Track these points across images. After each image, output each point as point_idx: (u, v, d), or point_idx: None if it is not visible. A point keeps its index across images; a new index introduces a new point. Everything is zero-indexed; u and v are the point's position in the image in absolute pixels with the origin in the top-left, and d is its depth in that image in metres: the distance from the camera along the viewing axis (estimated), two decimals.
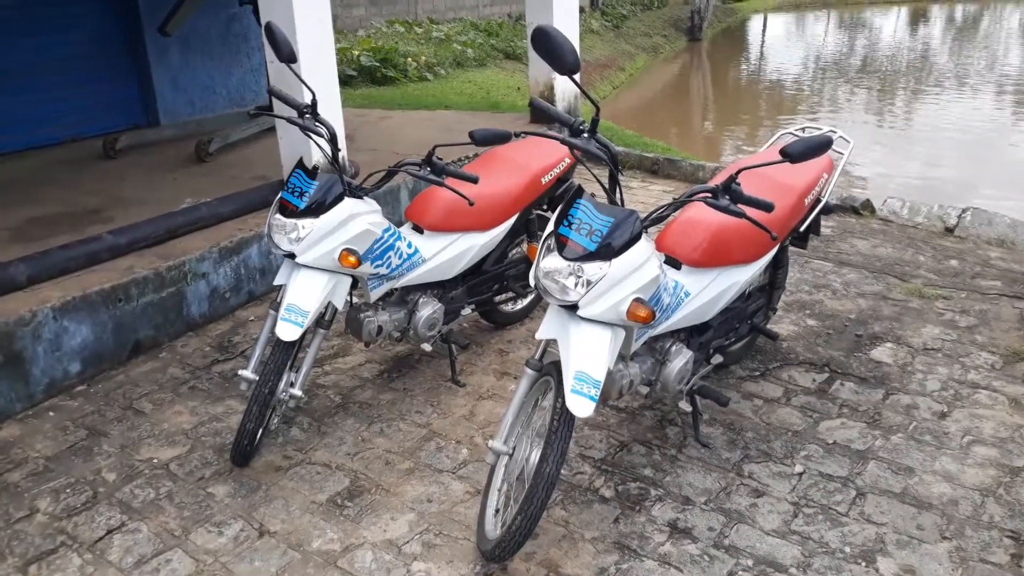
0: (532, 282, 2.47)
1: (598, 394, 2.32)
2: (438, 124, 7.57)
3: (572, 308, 2.40)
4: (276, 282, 3.06)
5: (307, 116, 3.12)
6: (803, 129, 3.54)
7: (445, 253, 3.42)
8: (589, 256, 2.33)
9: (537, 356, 2.54)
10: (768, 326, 3.55)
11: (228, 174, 5.72)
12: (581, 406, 2.30)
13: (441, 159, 3.07)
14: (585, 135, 2.52)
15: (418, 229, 3.42)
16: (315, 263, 2.95)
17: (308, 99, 3.18)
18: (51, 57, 6.36)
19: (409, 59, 11.38)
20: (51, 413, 3.49)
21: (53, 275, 3.84)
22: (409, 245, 3.29)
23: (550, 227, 2.46)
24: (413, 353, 3.85)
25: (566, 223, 2.40)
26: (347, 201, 2.99)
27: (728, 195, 2.42)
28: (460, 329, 3.87)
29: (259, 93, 7.75)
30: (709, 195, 2.44)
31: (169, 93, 7.11)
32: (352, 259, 2.95)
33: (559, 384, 2.46)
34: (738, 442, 3.07)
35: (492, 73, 12.88)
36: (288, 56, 3.06)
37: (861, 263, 4.61)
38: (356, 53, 11.06)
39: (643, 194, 6.25)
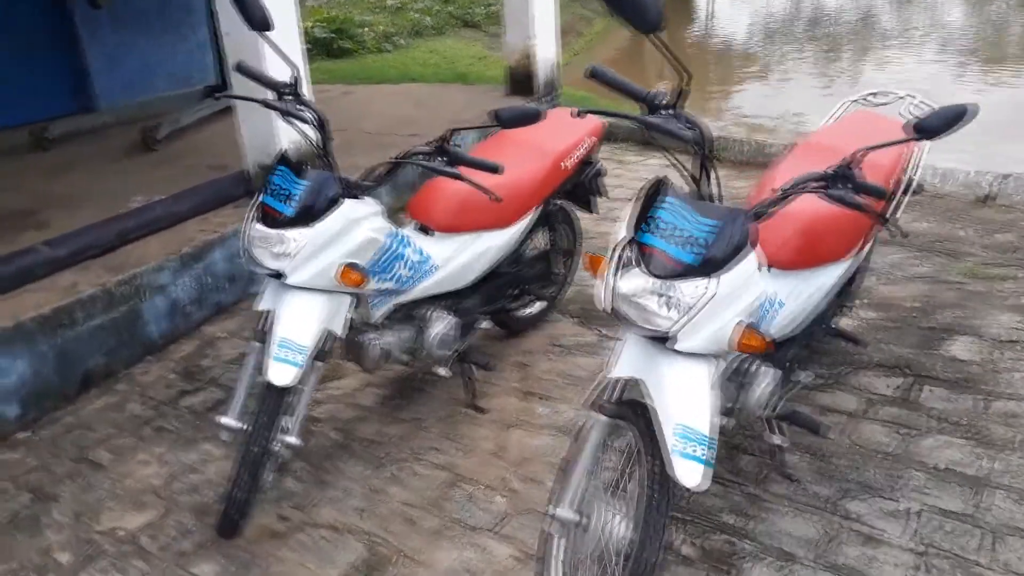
0: (601, 305, 1.92)
1: (712, 456, 1.79)
2: (408, 98, 6.93)
3: (662, 339, 1.86)
4: (259, 307, 2.47)
5: (288, 98, 2.51)
6: (872, 95, 3.04)
7: (460, 258, 2.86)
8: (687, 272, 1.79)
9: (610, 398, 2.00)
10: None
11: (181, 164, 5.04)
12: (690, 473, 1.77)
13: (459, 145, 2.49)
14: (667, 111, 1.96)
15: (425, 230, 2.85)
16: (309, 283, 2.37)
17: (286, 76, 2.56)
18: None
19: (366, 29, 10.63)
20: None
21: None
22: (418, 251, 2.72)
23: (622, 232, 1.91)
24: (417, 372, 3.29)
25: (649, 227, 1.85)
26: (346, 204, 2.40)
27: (847, 183, 1.89)
28: (478, 346, 3.30)
29: (207, 71, 7.01)
30: (823, 184, 1.91)
31: (104, 74, 6.34)
32: (355, 275, 2.37)
33: (645, 437, 1.93)
34: (828, 472, 2.58)
35: (452, 42, 12.16)
36: (261, 23, 2.44)
37: (902, 240, 4.15)
38: (309, 24, 10.27)
39: (642, 169, 5.72)
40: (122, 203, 4.11)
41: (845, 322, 3.25)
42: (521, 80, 6.57)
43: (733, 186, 5.15)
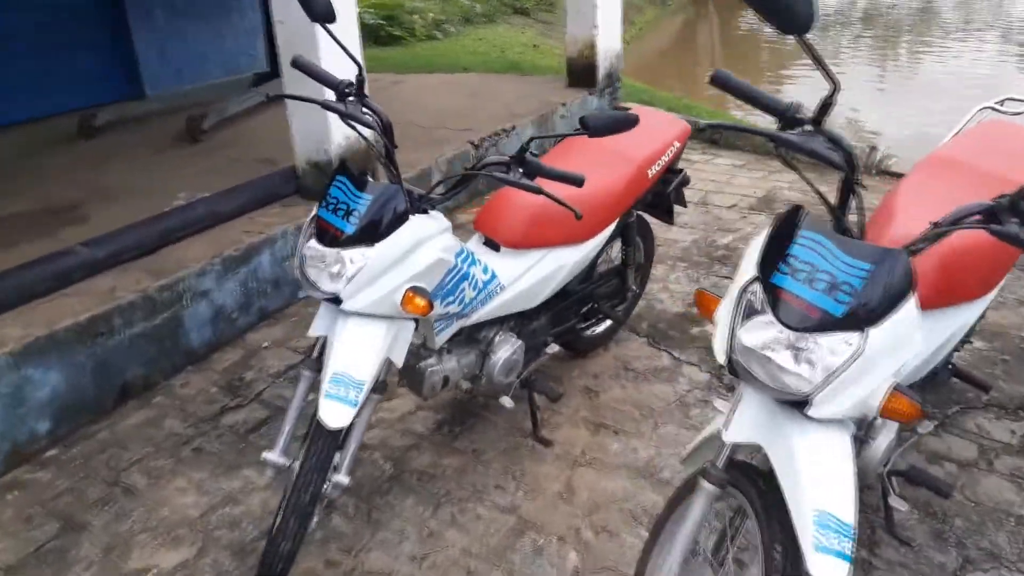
0: (720, 358, 1.63)
1: (852, 550, 1.48)
2: (460, 89, 6.65)
3: (796, 403, 1.56)
4: (313, 333, 2.22)
5: (350, 100, 2.24)
6: (1003, 102, 2.68)
7: (529, 276, 2.57)
8: (829, 323, 1.49)
9: (719, 462, 1.71)
10: None
11: (226, 156, 4.82)
12: (832, 572, 1.46)
13: (536, 154, 2.20)
14: (807, 127, 1.64)
15: (492, 245, 2.57)
16: (369, 309, 2.10)
17: (346, 73, 2.29)
18: (14, 22, 5.40)
19: (416, 16, 10.36)
20: (13, 493, 2.66)
21: (10, 304, 2.98)
22: (484, 270, 2.44)
23: (749, 271, 1.60)
24: (476, 398, 3.02)
25: (785, 268, 1.55)
26: (414, 220, 2.13)
27: (1017, 217, 1.56)
28: (543, 369, 3.01)
29: (256, 59, 6.80)
30: (982, 218, 1.58)
31: (154, 61, 6.16)
32: (421, 302, 2.10)
33: (762, 512, 1.64)
34: (947, 535, 2.26)
35: (503, 30, 11.86)
36: (324, 13, 2.18)
37: None
38: (359, 10, 10.02)
39: (710, 170, 5.37)
40: (163, 198, 3.90)
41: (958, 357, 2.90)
42: (582, 72, 6.26)
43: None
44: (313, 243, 2.11)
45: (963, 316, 2.14)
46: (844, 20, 17.62)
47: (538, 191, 2.15)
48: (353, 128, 2.25)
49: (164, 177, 4.41)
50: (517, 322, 2.68)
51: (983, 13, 17.35)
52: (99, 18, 5.88)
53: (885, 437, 2.00)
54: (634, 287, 3.18)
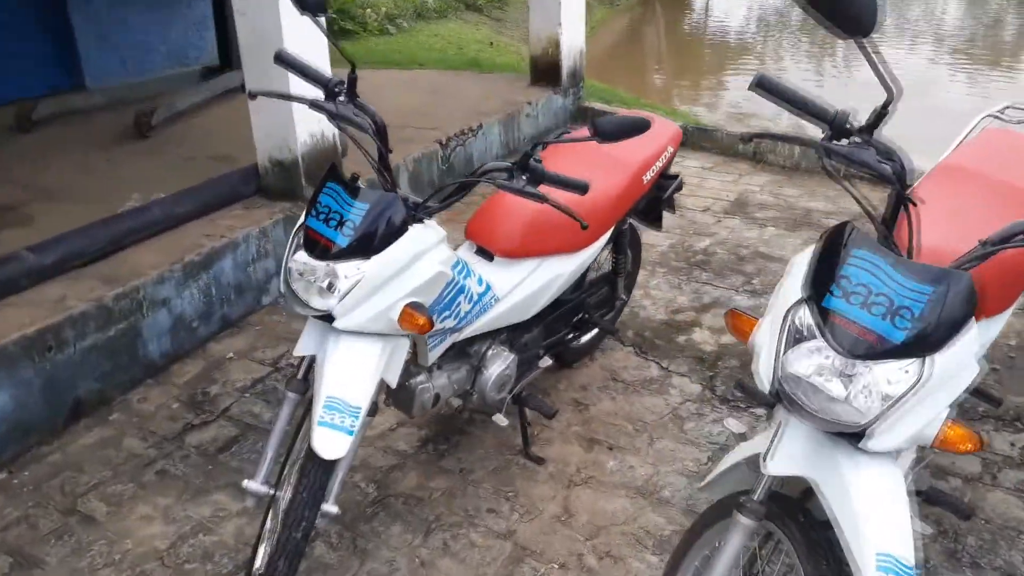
0: (765, 386, 1.51)
1: None
2: (420, 86, 6.46)
3: (848, 435, 1.45)
4: (299, 352, 2.04)
5: (341, 99, 2.07)
6: (1004, 110, 2.64)
7: (525, 287, 2.44)
8: (887, 351, 1.38)
9: (758, 495, 1.59)
10: None
11: (179, 154, 4.56)
12: None
13: (539, 161, 2.05)
14: (856, 137, 1.53)
15: (485, 254, 2.43)
16: (363, 327, 1.94)
17: (326, 72, 2.12)
18: None
19: (368, 10, 10.09)
20: None
21: None
22: (479, 281, 2.29)
23: (794, 291, 1.49)
24: (462, 413, 2.86)
25: (838, 291, 1.44)
26: (412, 231, 1.97)
27: None
28: (535, 383, 2.86)
29: (204, 51, 6.48)
30: None
31: (95, 50, 5.80)
32: (420, 319, 1.94)
33: (803, 547, 1.53)
34: (960, 555, 2.20)
35: (456, 26, 11.65)
36: (314, 4, 2.00)
37: None
38: None
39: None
40: (114, 198, 3.65)
41: None
42: (546, 70, 6.13)
43: (784, 194, 4.76)
44: (302, 256, 1.93)
45: (990, 331, 2.08)
46: (783, 23, 17.90)
47: (543, 199, 2.01)
48: (342, 130, 2.08)
49: (113, 176, 4.14)
50: (509, 335, 2.54)
51: (919, 23, 17.82)
52: (35, 3, 5.51)
53: (907, 457, 1.91)
54: (624, 296, 3.06)
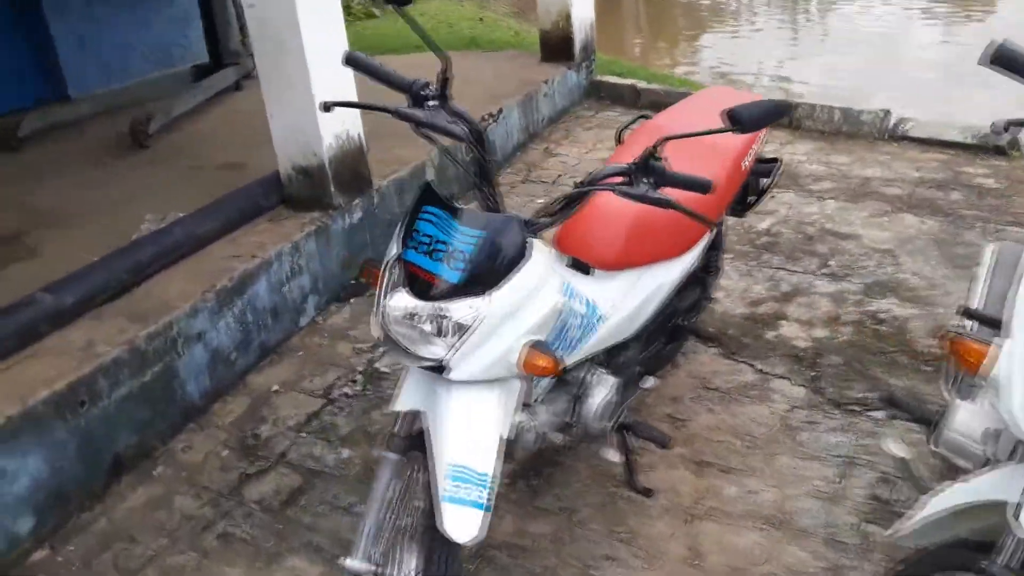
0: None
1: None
2: (427, 72, 6.07)
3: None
4: (400, 408, 1.73)
5: (431, 104, 1.75)
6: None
7: (629, 301, 2.14)
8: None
9: (1004, 559, 1.31)
10: None
11: (184, 164, 4.21)
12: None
13: (661, 159, 1.73)
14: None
15: (581, 267, 2.12)
16: (481, 375, 1.63)
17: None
18: None
19: None
20: None
21: None
22: (582, 300, 1.99)
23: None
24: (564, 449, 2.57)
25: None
26: (537, 257, 1.66)
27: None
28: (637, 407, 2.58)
29: (189, 50, 6.06)
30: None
31: (75, 55, 5.37)
32: (546, 359, 1.64)
33: None
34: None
35: (439, 3, 11.22)
36: None
37: None
38: None
39: None
40: (122, 218, 3.32)
41: None
42: (557, 44, 5.79)
43: (834, 162, 4.46)
44: (402, 296, 1.61)
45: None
46: None
47: (669, 205, 1.70)
48: (431, 141, 1.76)
49: (116, 193, 3.78)
50: (606, 355, 2.24)
51: None
52: (5, 3, 5.08)
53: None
54: (712, 295, 2.77)
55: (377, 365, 3.05)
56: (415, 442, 1.73)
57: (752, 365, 2.86)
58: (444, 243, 1.60)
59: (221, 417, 2.85)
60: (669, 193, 1.68)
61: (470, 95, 5.25)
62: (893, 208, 3.85)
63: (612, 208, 2.09)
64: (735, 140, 2.37)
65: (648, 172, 1.69)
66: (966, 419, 1.84)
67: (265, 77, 3.29)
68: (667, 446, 2.26)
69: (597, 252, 2.10)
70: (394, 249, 1.68)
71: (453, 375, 1.60)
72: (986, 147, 4.39)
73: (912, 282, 3.22)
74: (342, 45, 3.35)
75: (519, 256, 1.60)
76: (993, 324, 2.20)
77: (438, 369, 1.61)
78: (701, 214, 1.77)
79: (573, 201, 1.75)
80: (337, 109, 3.31)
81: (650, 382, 2.38)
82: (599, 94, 6.01)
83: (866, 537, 2.14)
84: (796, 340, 2.96)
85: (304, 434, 2.73)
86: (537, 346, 1.65)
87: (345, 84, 3.32)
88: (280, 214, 3.47)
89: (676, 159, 2.22)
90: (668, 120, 2.48)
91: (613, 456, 2.20)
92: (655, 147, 1.67)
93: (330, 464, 2.58)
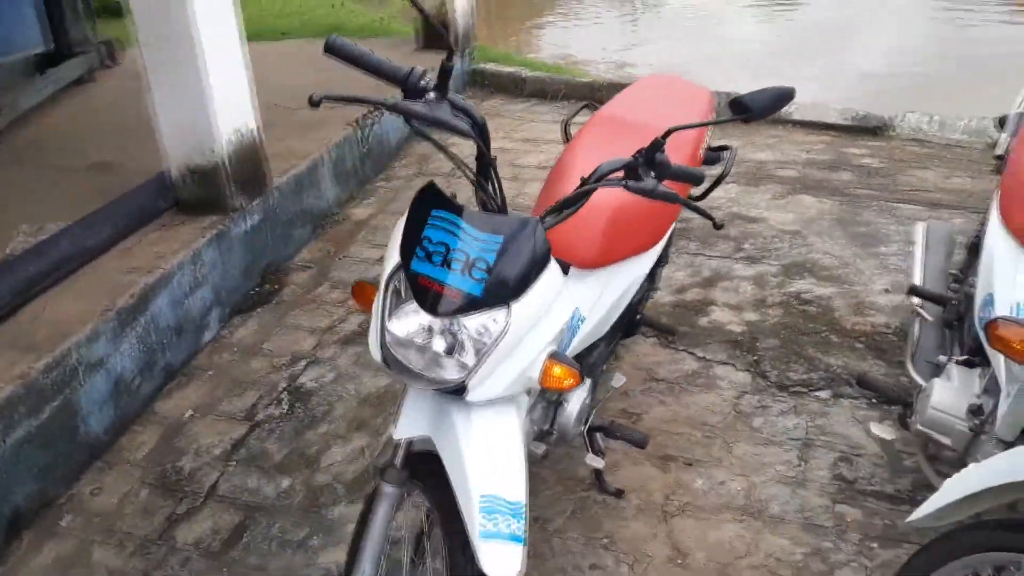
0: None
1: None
2: (302, 60, 5.72)
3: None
4: (404, 435, 1.55)
5: (431, 97, 1.57)
6: None
7: (605, 299, 2.05)
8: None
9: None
10: None
11: (46, 164, 3.74)
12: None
13: (661, 151, 1.64)
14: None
15: (561, 267, 2.01)
16: (504, 393, 1.49)
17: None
18: None
19: None
20: None
21: None
22: (568, 302, 1.88)
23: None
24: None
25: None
26: (552, 263, 1.53)
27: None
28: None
29: (29, 36, 5.40)
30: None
31: None
32: (566, 371, 1.52)
33: None
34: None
35: None
36: None
37: (972, 204, 3.71)
38: None
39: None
40: None
41: None
42: (437, 31, 5.60)
43: None
44: (414, 312, 1.44)
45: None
46: None
47: (677, 200, 1.63)
48: (426, 138, 1.58)
49: None
50: (578, 356, 2.15)
51: None
52: None
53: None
54: (658, 285, 2.74)
55: (302, 380, 2.82)
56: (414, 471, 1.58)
57: (692, 353, 2.85)
58: (463, 252, 1.44)
59: (132, 452, 2.54)
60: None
61: (355, 84, 4.98)
62: (791, 190, 3.98)
63: (591, 203, 1.99)
64: (692, 130, 2.34)
65: (652, 165, 1.61)
66: (947, 397, 1.89)
67: (151, 68, 2.94)
68: (645, 445, 2.19)
69: (579, 250, 1.98)
70: (393, 260, 1.50)
71: (472, 396, 1.45)
72: (863, 128, 4.64)
73: (825, 261, 3.33)
74: (236, 30, 3.07)
75: (540, 261, 1.47)
76: (938, 300, 2.28)
77: (455, 391, 1.46)
78: (708, 213, 1.70)
79: (579, 198, 1.63)
80: (234, 100, 3.04)
81: (620, 380, 2.31)
82: (482, 82, 5.89)
83: (841, 518, 2.17)
84: (730, 325, 2.98)
85: (233, 463, 2.47)
86: (557, 358, 1.53)
87: (240, 74, 3.06)
88: (173, 220, 3.14)
89: (627, 143, 2.17)
90: (621, 110, 2.40)
91: (597, 462, 2.11)
92: (663, 139, 1.58)
93: (269, 495, 2.35)
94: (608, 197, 1.86)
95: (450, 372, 1.44)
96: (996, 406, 1.81)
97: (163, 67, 2.92)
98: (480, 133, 1.56)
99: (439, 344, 1.43)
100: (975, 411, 1.84)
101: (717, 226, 1.73)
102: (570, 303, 1.78)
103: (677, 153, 2.20)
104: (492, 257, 1.42)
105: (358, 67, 1.57)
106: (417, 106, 1.51)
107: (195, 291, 2.96)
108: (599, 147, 2.17)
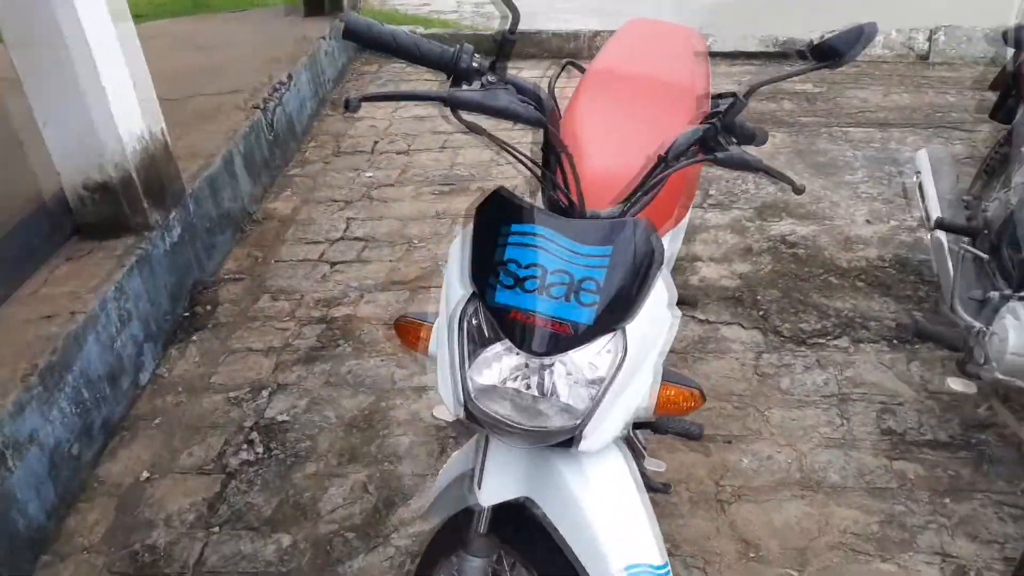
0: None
1: None
2: (180, 42, 5.14)
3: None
4: (491, 501, 1.25)
5: (489, 80, 1.22)
6: None
7: None
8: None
9: None
10: None
11: None
12: None
13: (741, 112, 1.36)
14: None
15: None
16: (619, 434, 1.21)
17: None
18: None
19: None
20: None
21: None
22: None
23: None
24: None
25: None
26: (666, 268, 1.25)
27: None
28: None
29: None
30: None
31: None
32: (687, 393, 1.26)
33: None
34: None
35: None
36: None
37: (920, 120, 3.65)
38: None
39: None
40: None
41: None
42: None
43: None
44: (503, 352, 1.13)
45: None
46: None
47: (761, 167, 1.38)
48: (477, 132, 1.24)
49: None
50: None
51: None
52: None
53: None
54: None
55: (271, 414, 2.46)
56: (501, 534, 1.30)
57: (694, 316, 2.65)
58: (565, 273, 1.13)
59: (85, 535, 2.13)
60: None
61: (245, 64, 4.49)
62: None
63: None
64: (697, 76, 2.11)
65: (733, 130, 1.35)
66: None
67: (25, 72, 2.44)
68: (701, 436, 1.97)
69: None
70: (459, 290, 1.18)
71: (585, 446, 1.16)
72: (787, 53, 4.52)
73: (796, 199, 3.19)
74: (126, 16, 2.60)
75: (653, 269, 1.18)
76: (967, 232, 2.15)
77: (564, 442, 1.17)
78: (790, 178, 1.46)
79: (657, 180, 1.34)
80: (133, 102, 2.56)
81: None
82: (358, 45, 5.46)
83: (903, 476, 2.03)
84: (723, 280, 2.80)
85: (216, 528, 2.11)
86: (670, 379, 1.26)
87: (139, 69, 2.61)
88: (79, 249, 2.67)
89: (647, 107, 1.92)
90: (615, 63, 2.12)
91: (659, 466, 1.86)
92: (746, 98, 1.32)
93: (271, 559, 2.01)
94: (622, 156, 1.60)
95: (557, 420, 1.15)
96: None
97: (41, 70, 2.43)
98: (550, 119, 1.24)
99: (540, 387, 1.14)
100: None
101: (798, 191, 1.49)
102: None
103: (688, 105, 1.97)
104: (601, 274, 1.13)
105: (388, 52, 1.21)
106: (477, 95, 1.17)
107: (123, 329, 2.53)
108: (606, 109, 1.90)
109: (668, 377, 1.25)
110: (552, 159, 1.30)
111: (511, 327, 1.13)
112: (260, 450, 2.34)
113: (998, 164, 2.28)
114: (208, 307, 2.97)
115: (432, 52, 1.19)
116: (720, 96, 2.20)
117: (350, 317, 2.87)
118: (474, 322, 1.16)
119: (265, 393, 2.54)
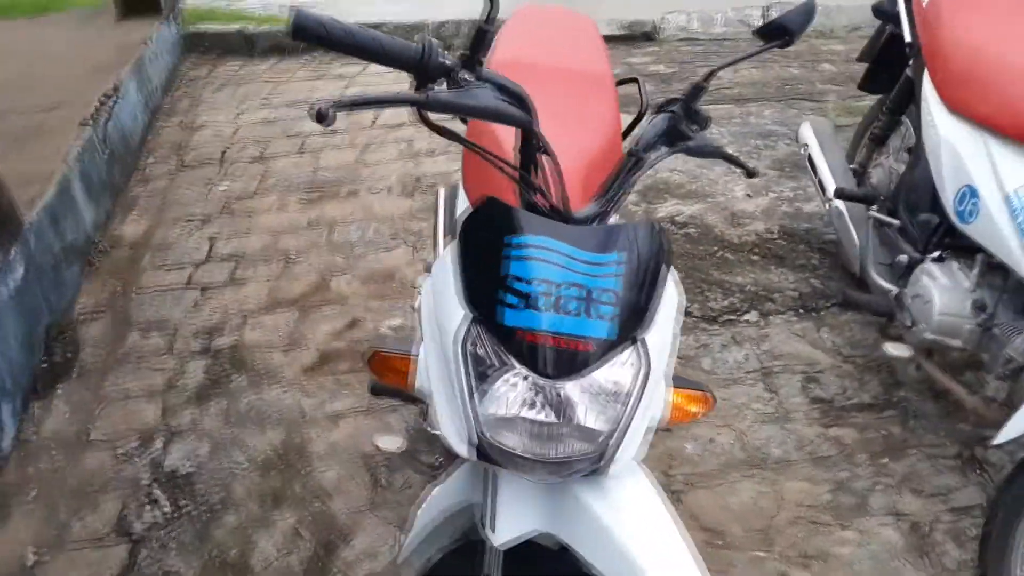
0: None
1: None
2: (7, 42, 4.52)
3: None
4: (504, 539, 1.13)
5: (464, 76, 1.06)
6: None
7: None
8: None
9: None
10: None
11: None
12: None
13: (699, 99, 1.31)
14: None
15: None
16: (640, 453, 1.13)
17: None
18: None
19: None
20: None
21: None
22: None
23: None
24: None
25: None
26: (673, 269, 1.16)
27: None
28: None
29: None
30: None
31: None
32: (700, 399, 1.19)
33: None
34: None
35: None
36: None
37: (772, 94, 3.82)
38: None
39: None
40: None
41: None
42: None
43: None
44: (517, 379, 1.02)
45: None
46: None
47: (722, 154, 1.34)
48: (449, 136, 1.10)
49: None
50: None
51: None
52: None
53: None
54: None
55: (170, 465, 2.19)
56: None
57: None
58: (580, 286, 1.02)
59: None
60: None
61: (62, 75, 4.02)
62: None
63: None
64: (601, 61, 2.05)
65: (694, 117, 1.30)
66: (949, 300, 1.84)
67: None
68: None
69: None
70: (456, 315, 1.06)
71: (615, 469, 1.07)
72: (634, 35, 4.61)
73: (675, 179, 3.24)
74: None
75: (658, 273, 1.10)
76: (865, 200, 2.24)
77: (591, 468, 1.07)
78: (741, 160, 1.42)
79: (636, 177, 1.25)
80: None
81: None
82: (202, 47, 5.09)
83: (840, 443, 2.10)
84: None
85: None
86: (685, 385, 1.19)
87: None
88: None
89: (564, 93, 1.85)
90: (512, 51, 2.00)
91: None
92: (706, 82, 1.27)
93: None
94: (568, 151, 1.50)
95: (579, 446, 1.05)
96: (999, 297, 1.79)
97: None
98: (528, 116, 1.13)
99: (557, 412, 1.04)
100: (980, 307, 1.80)
101: (751, 174, 1.46)
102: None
103: (605, 96, 1.92)
104: (617, 283, 1.04)
105: (345, 51, 1.04)
106: (457, 96, 1.03)
107: None
108: None
109: (676, 382, 1.19)
110: (529, 161, 1.19)
111: (521, 350, 1.02)
112: (167, 508, 2.07)
113: (881, 132, 2.40)
114: (68, 353, 2.62)
115: (395, 48, 1.02)
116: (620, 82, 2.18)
117: (237, 346, 2.62)
118: (479, 349, 1.03)
119: (158, 442, 2.26)
